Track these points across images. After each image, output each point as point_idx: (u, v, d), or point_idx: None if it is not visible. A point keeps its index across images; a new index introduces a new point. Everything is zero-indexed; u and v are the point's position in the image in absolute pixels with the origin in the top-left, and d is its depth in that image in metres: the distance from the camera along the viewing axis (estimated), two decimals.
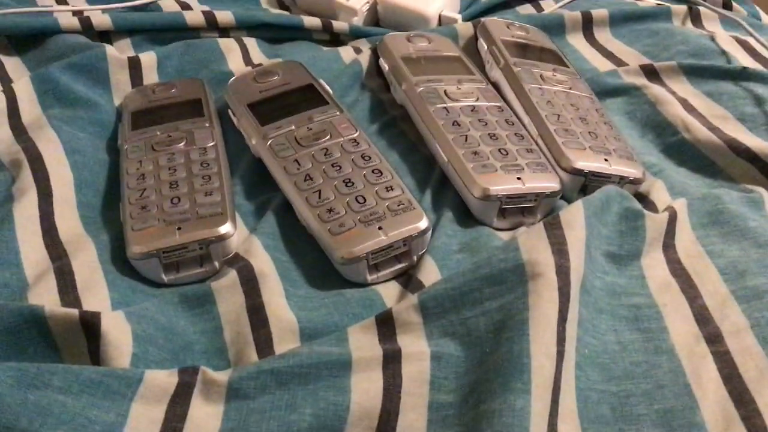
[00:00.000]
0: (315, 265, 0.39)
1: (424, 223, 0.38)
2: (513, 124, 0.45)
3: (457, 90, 0.47)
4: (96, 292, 0.36)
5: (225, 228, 0.38)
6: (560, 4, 0.65)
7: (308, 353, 0.32)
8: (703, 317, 0.35)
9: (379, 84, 0.52)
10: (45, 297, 0.35)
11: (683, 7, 0.62)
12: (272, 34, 0.58)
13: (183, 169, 0.41)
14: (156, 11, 0.59)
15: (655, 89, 0.51)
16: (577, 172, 0.42)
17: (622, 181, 0.43)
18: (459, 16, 0.60)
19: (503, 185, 0.41)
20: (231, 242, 0.38)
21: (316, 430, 0.30)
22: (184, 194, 0.40)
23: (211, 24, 0.56)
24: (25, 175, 0.41)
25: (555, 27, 0.59)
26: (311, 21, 0.58)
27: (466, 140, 0.43)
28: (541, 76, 0.49)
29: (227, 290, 0.36)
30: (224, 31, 0.57)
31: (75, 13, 0.56)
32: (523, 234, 0.36)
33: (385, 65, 0.51)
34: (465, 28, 0.56)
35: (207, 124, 0.45)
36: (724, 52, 0.56)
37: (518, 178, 0.41)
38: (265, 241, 0.39)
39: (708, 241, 0.39)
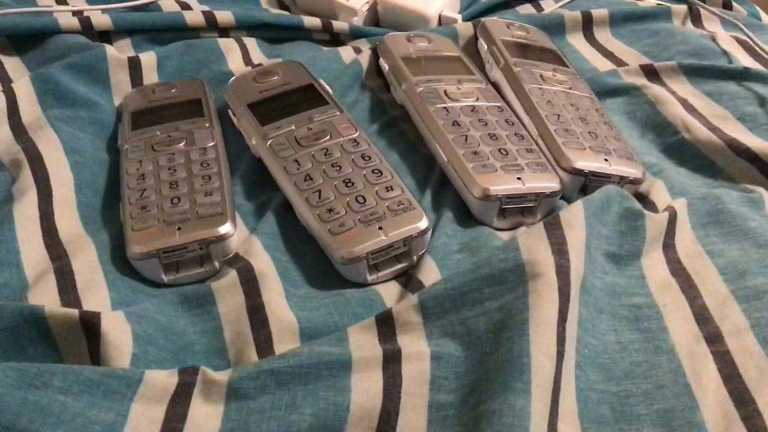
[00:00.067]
0: (315, 265, 0.39)
1: (424, 223, 0.38)
2: (513, 124, 0.45)
3: (457, 90, 0.47)
4: (96, 292, 0.36)
5: (225, 228, 0.38)
6: (560, 4, 0.65)
7: (308, 353, 0.32)
8: (703, 317, 0.35)
9: (379, 84, 0.52)
10: (45, 297, 0.35)
11: (683, 7, 0.62)
12: (272, 34, 0.58)
13: (183, 169, 0.41)
14: (156, 11, 0.59)
15: (655, 89, 0.51)
16: (577, 172, 0.42)
17: (622, 181, 0.43)
18: (459, 16, 0.60)
19: (503, 185, 0.41)
20: (231, 242, 0.38)
21: (316, 430, 0.30)
22: (184, 194, 0.40)
23: (211, 24, 0.56)
24: (25, 175, 0.41)
25: (555, 27, 0.59)
26: (311, 21, 0.58)
27: (466, 140, 0.43)
28: (541, 76, 0.49)
29: (227, 290, 0.36)
30: (224, 31, 0.57)
31: (75, 13, 0.56)
32: (523, 234, 0.36)
33: (385, 65, 0.51)
34: (465, 28, 0.56)
35: (207, 124, 0.45)
36: (724, 52, 0.56)
37: (518, 178, 0.41)
38: (265, 241, 0.39)
39: (708, 241, 0.39)
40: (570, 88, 0.49)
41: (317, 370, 0.32)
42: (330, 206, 0.39)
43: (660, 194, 0.43)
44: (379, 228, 0.38)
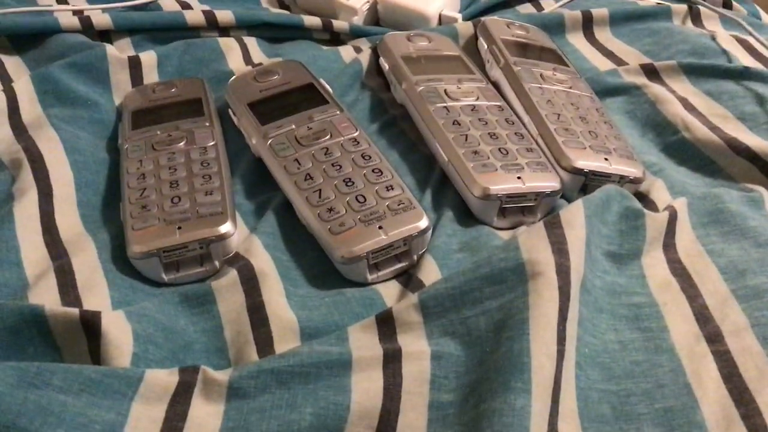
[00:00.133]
0: (315, 264, 0.39)
1: (424, 223, 0.38)
2: (513, 123, 0.45)
3: (457, 89, 0.47)
4: (96, 291, 0.36)
5: (225, 227, 0.38)
6: (560, 3, 0.65)
7: (308, 352, 0.32)
8: (703, 316, 0.35)
9: (379, 83, 0.52)
10: (45, 296, 0.35)
11: (683, 7, 0.62)
12: (272, 33, 0.58)
13: (183, 169, 0.41)
14: (156, 11, 0.59)
15: (655, 88, 0.51)
16: (577, 172, 0.42)
17: (622, 180, 0.43)
18: (459, 16, 0.60)
19: (503, 184, 0.41)
20: (231, 241, 0.38)
21: (316, 429, 0.30)
22: (185, 193, 0.40)
23: (212, 23, 0.56)
24: (25, 174, 0.41)
25: (555, 26, 0.59)
26: (311, 20, 0.58)
27: (466, 139, 0.43)
28: (541, 75, 0.49)
29: (227, 289, 0.36)
30: (224, 31, 0.57)
31: (75, 12, 0.57)
32: (524, 233, 0.36)
33: (385, 64, 0.51)
34: (465, 28, 0.56)
35: (207, 124, 0.45)
36: (724, 52, 0.56)
37: (518, 178, 0.41)
38: (265, 241, 0.39)
39: (708, 241, 0.39)
40: (570, 88, 0.49)
41: (317, 370, 0.32)
42: (330, 205, 0.39)
43: (660, 193, 0.43)
44: (380, 227, 0.38)
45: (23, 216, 0.39)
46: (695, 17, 0.62)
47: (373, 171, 0.41)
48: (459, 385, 0.32)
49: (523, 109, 0.47)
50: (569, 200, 0.42)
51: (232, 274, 0.36)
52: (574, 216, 0.37)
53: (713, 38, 0.57)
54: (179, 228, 0.38)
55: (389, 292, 0.37)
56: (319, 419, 0.30)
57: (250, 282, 0.36)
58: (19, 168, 0.42)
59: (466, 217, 0.42)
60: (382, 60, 0.51)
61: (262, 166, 0.43)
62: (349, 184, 0.40)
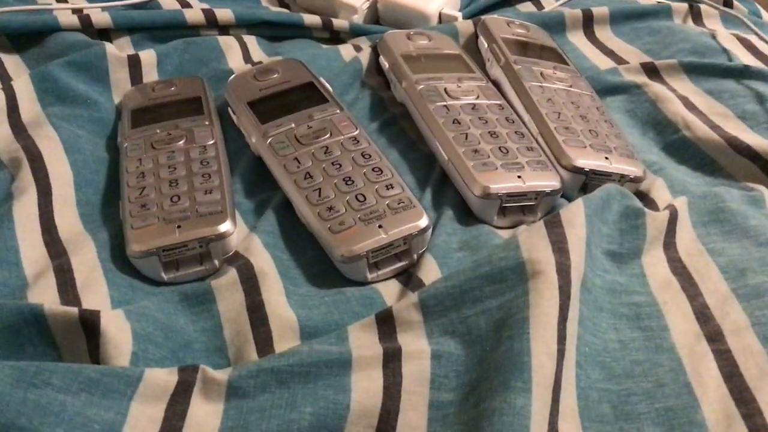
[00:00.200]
0: (315, 263, 0.39)
1: (424, 222, 0.38)
2: (513, 122, 0.45)
3: (457, 88, 0.47)
4: (95, 290, 0.36)
5: (225, 226, 0.38)
6: (561, 1, 0.65)
7: (308, 352, 0.32)
8: (703, 316, 0.35)
9: (379, 82, 0.52)
10: (44, 295, 0.35)
11: (684, 5, 0.62)
12: (272, 32, 0.58)
13: (183, 168, 0.41)
14: (156, 9, 0.59)
15: (655, 87, 0.51)
16: (577, 171, 0.42)
17: (622, 179, 0.43)
18: (459, 14, 0.60)
19: (503, 183, 0.41)
20: (231, 240, 0.38)
21: (316, 428, 0.30)
22: (184, 192, 0.40)
23: (211, 22, 0.56)
24: (24, 173, 0.41)
25: (555, 25, 0.59)
26: (311, 19, 0.58)
27: (466, 138, 0.43)
28: (541, 74, 0.49)
29: (227, 288, 0.36)
30: (224, 29, 0.57)
31: (75, 11, 0.56)
32: (524, 232, 0.36)
33: (385, 63, 0.51)
34: (465, 26, 0.56)
35: (207, 122, 0.45)
36: (725, 50, 0.55)
37: (518, 177, 0.41)
38: (265, 240, 0.39)
39: (709, 240, 0.39)
40: (570, 86, 0.49)
41: (317, 369, 0.32)
42: (330, 204, 0.39)
43: (660, 192, 0.43)
44: (379, 226, 0.38)
45: (22, 215, 0.39)
46: (696, 16, 0.62)
47: (373, 170, 0.41)
48: (459, 384, 0.32)
49: (523, 107, 0.47)
50: (569, 199, 0.42)
51: (232, 273, 0.36)
52: (575, 215, 0.37)
53: (714, 37, 0.57)
54: (179, 227, 0.38)
55: (389, 291, 0.37)
56: (319, 418, 0.30)
57: (250, 281, 0.36)
58: (18, 167, 0.42)
59: (466, 216, 0.42)
60: (382, 58, 0.51)
61: (261, 164, 0.43)
62: (349, 182, 0.40)
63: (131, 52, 0.53)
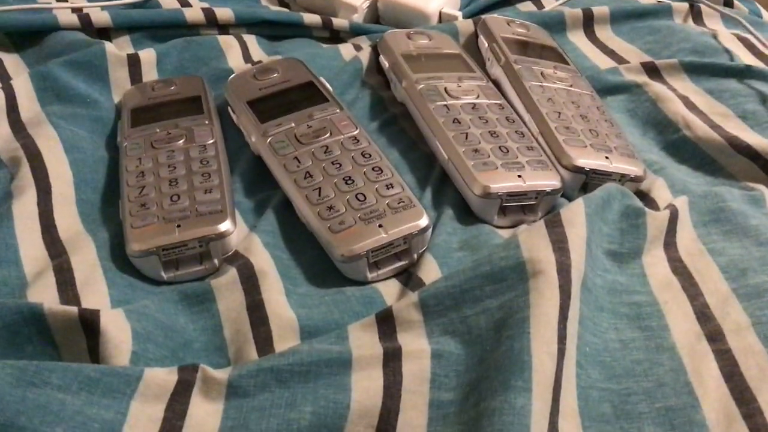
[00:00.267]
0: (315, 262, 0.39)
1: (424, 221, 0.38)
2: (513, 121, 0.45)
3: (457, 87, 0.47)
4: (95, 289, 0.36)
5: (224, 225, 0.38)
6: (561, 1, 0.65)
7: (308, 351, 0.32)
8: (704, 315, 0.35)
9: (379, 81, 0.52)
10: (44, 294, 0.35)
11: (684, 5, 0.62)
12: (272, 31, 0.58)
13: (182, 167, 0.41)
14: (155, 8, 0.59)
15: (656, 87, 0.51)
16: (578, 170, 0.42)
17: (623, 178, 0.43)
18: (459, 14, 0.60)
19: (504, 183, 0.40)
20: (230, 240, 0.38)
21: (316, 428, 0.30)
22: (184, 192, 0.40)
23: (211, 21, 0.56)
24: (24, 172, 0.41)
25: (556, 24, 0.59)
26: (311, 18, 0.58)
27: (466, 138, 0.43)
28: (541, 73, 0.49)
29: (227, 288, 0.36)
30: (224, 28, 0.57)
31: (74, 10, 0.56)
32: (524, 232, 0.36)
33: (385, 62, 0.51)
34: (465, 26, 0.56)
35: (206, 122, 0.45)
36: (725, 50, 0.55)
37: (519, 176, 0.41)
38: (264, 239, 0.39)
39: (709, 239, 0.39)
40: (571, 86, 0.49)
41: (317, 368, 0.32)
42: (330, 204, 0.39)
43: (661, 192, 0.43)
44: (380, 226, 0.38)
45: (22, 214, 0.39)
46: (696, 15, 0.62)
47: (373, 169, 0.41)
48: (459, 383, 0.32)
49: (523, 107, 0.47)
50: (570, 199, 0.42)
51: (232, 273, 0.36)
52: (575, 214, 0.36)
53: (714, 37, 0.57)
54: (178, 226, 0.38)
55: (389, 290, 0.37)
56: (319, 418, 0.30)
57: (250, 280, 0.36)
58: (17, 166, 0.42)
59: (467, 215, 0.42)
60: (382, 58, 0.51)
61: (261, 164, 0.43)
62: (349, 182, 0.40)
63: (131, 51, 0.53)
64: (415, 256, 0.39)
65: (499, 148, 0.43)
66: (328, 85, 0.47)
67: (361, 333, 0.34)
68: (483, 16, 0.56)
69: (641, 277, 0.37)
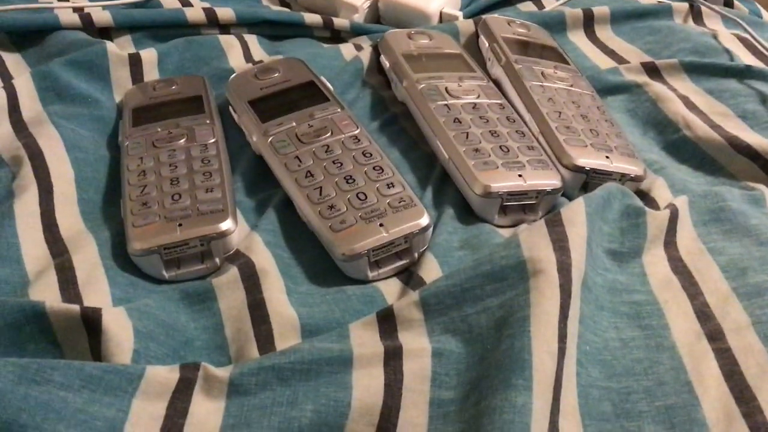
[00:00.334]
0: (316, 261, 0.39)
1: (425, 220, 0.38)
2: (514, 121, 0.45)
3: (458, 87, 0.47)
4: (97, 288, 0.36)
5: (226, 224, 0.38)
6: (561, 1, 0.65)
7: (309, 349, 0.32)
8: (704, 314, 0.35)
9: (380, 81, 0.52)
10: (46, 293, 0.35)
11: (685, 5, 0.62)
12: (273, 31, 0.58)
13: (184, 166, 0.41)
14: (157, 8, 0.59)
15: (656, 87, 0.51)
16: (578, 170, 0.42)
17: (623, 178, 0.43)
18: (460, 14, 0.60)
19: (504, 182, 0.41)
20: (232, 239, 0.38)
21: (317, 426, 0.30)
22: (185, 191, 0.40)
23: (212, 21, 0.56)
24: (25, 171, 0.41)
25: (556, 24, 0.59)
26: (312, 18, 0.58)
27: (467, 137, 0.43)
28: (542, 73, 0.49)
29: (228, 287, 0.36)
30: (225, 28, 0.57)
31: (75, 9, 0.57)
32: (525, 231, 0.36)
33: (386, 62, 0.51)
34: (466, 26, 0.56)
35: (208, 121, 0.45)
36: (725, 50, 0.55)
37: (519, 176, 0.41)
38: (266, 238, 0.39)
39: (709, 239, 0.39)
40: (571, 86, 0.49)
41: (318, 367, 0.32)
42: (331, 203, 0.39)
43: (661, 192, 0.43)
44: (380, 225, 0.38)
45: (24, 213, 0.39)
46: (696, 16, 0.62)
47: (374, 168, 0.41)
48: (460, 382, 0.32)
49: (524, 107, 0.47)
50: (570, 198, 0.42)
51: (233, 272, 0.36)
52: (576, 214, 0.37)
53: (715, 37, 0.57)
54: (180, 225, 0.38)
55: (390, 289, 0.37)
56: (320, 416, 0.30)
57: (251, 279, 0.36)
58: (19, 165, 0.42)
59: (467, 214, 0.42)
60: (382, 58, 0.51)
61: (262, 163, 0.43)
62: (350, 181, 0.40)
63: (132, 50, 0.53)
64: (416, 255, 0.39)
65: (500, 147, 0.43)
66: (329, 85, 0.47)
67: (362, 331, 0.34)
68: (484, 16, 0.56)
69: (641, 276, 0.37)
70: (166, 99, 0.47)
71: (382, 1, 0.61)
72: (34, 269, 0.37)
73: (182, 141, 0.43)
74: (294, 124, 0.43)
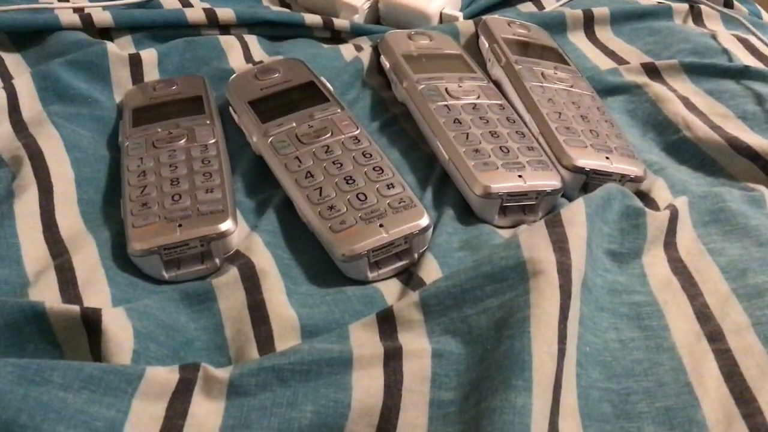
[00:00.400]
0: (316, 262, 0.39)
1: (425, 221, 0.38)
2: (514, 122, 0.45)
3: (458, 88, 0.47)
4: (97, 288, 0.36)
5: (226, 225, 0.38)
6: (561, 2, 0.65)
7: (309, 350, 0.32)
8: (704, 315, 0.35)
9: (380, 82, 0.52)
10: (46, 293, 0.35)
11: (684, 6, 0.62)
12: (273, 31, 0.58)
13: (184, 166, 0.41)
14: (157, 8, 0.59)
15: (656, 87, 0.51)
16: (578, 170, 0.42)
17: (623, 179, 0.43)
18: (460, 14, 0.60)
19: (504, 183, 0.41)
20: (232, 239, 0.38)
21: (316, 427, 0.30)
22: (185, 191, 0.40)
23: (212, 21, 0.56)
24: (25, 171, 0.41)
25: (556, 25, 0.59)
26: (312, 18, 0.58)
27: (467, 138, 0.43)
28: (542, 74, 0.49)
29: (228, 287, 0.36)
30: (225, 29, 0.57)
31: (76, 9, 0.57)
32: (525, 232, 0.36)
33: (386, 63, 0.51)
34: (466, 26, 0.56)
35: (208, 122, 0.45)
36: (725, 51, 0.56)
37: (519, 176, 0.41)
38: (266, 239, 0.39)
39: (709, 240, 0.39)
40: (571, 86, 0.49)
41: (318, 367, 0.32)
42: (331, 203, 0.39)
43: (661, 192, 0.43)
44: (380, 225, 0.38)
45: (24, 213, 0.39)
46: (696, 16, 0.62)
47: (373, 169, 0.41)
48: (460, 383, 0.32)
49: (524, 107, 0.47)
50: (570, 199, 0.42)
51: (233, 272, 0.36)
52: (575, 214, 0.37)
53: (714, 37, 0.57)
54: (180, 225, 0.38)
55: (390, 290, 0.37)
56: (320, 417, 0.30)
57: (251, 280, 0.36)
58: (19, 165, 0.42)
59: (467, 215, 0.42)
60: (383, 58, 0.51)
61: (262, 163, 0.43)
62: (350, 182, 0.40)
63: (132, 51, 0.53)
64: (416, 255, 0.39)
65: (500, 148, 0.43)
66: (329, 85, 0.47)
67: (362, 332, 0.34)
68: (484, 17, 0.56)
69: (641, 277, 0.37)
70: (166, 99, 0.47)
71: (382, 2, 0.61)
72: (34, 269, 0.37)
73: (182, 141, 0.43)
74: (294, 124, 0.43)
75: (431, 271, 0.38)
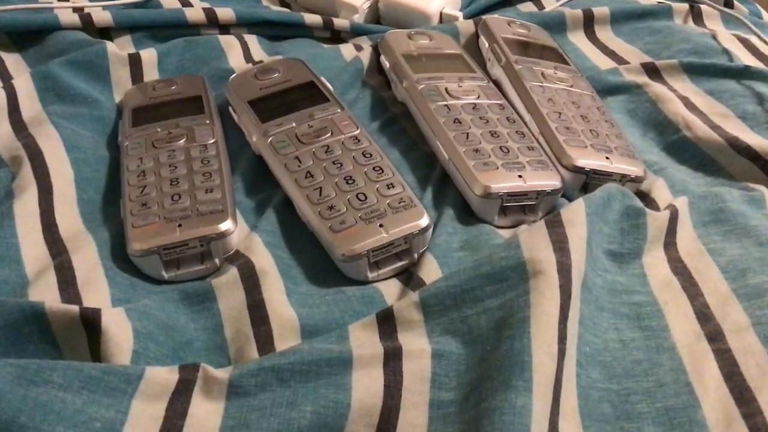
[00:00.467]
0: (316, 262, 0.39)
1: (425, 221, 0.38)
2: (514, 122, 0.45)
3: (458, 87, 0.47)
4: (96, 288, 0.36)
5: (225, 225, 0.38)
6: (561, 1, 0.65)
7: (309, 350, 0.32)
8: (704, 315, 0.35)
9: (380, 81, 0.52)
10: (45, 293, 0.35)
11: (685, 6, 0.62)
12: (273, 31, 0.58)
13: (183, 166, 0.41)
14: (156, 8, 0.59)
15: (656, 87, 0.51)
16: (578, 170, 0.42)
17: (623, 179, 0.43)
18: (460, 14, 0.60)
19: (504, 183, 0.41)
20: (231, 239, 0.38)
21: (316, 427, 0.30)
22: (185, 191, 0.40)
23: (212, 21, 0.56)
24: (25, 171, 0.41)
25: (556, 25, 0.59)
26: (312, 18, 0.58)
27: (467, 138, 0.43)
28: (542, 73, 0.49)
29: (228, 287, 0.36)
30: (225, 28, 0.57)
31: (75, 9, 0.57)
32: (525, 232, 0.36)
33: (386, 62, 0.51)
34: (466, 26, 0.56)
35: (207, 121, 0.45)
36: (725, 51, 0.55)
37: (519, 176, 0.41)
38: (265, 239, 0.39)
39: (709, 240, 0.39)
40: (571, 86, 0.49)
41: (318, 368, 0.32)
42: (331, 203, 0.39)
43: (661, 192, 0.43)
44: (380, 225, 0.38)
45: (23, 213, 0.39)
46: (696, 16, 0.62)
47: (373, 169, 0.41)
48: (460, 383, 0.32)
49: (524, 107, 0.47)
50: (570, 199, 0.42)
51: (233, 272, 0.36)
52: (576, 214, 0.37)
53: (714, 37, 0.57)
54: (179, 225, 0.38)
55: (390, 290, 0.37)
56: (320, 417, 0.30)
57: (251, 280, 0.36)
58: (19, 165, 0.42)
59: (467, 215, 0.42)
60: (382, 58, 0.51)
61: (262, 163, 0.43)
62: (350, 182, 0.40)
63: (132, 50, 0.53)
64: (416, 255, 0.39)
65: (500, 148, 0.43)
66: (329, 85, 0.47)
67: (362, 332, 0.34)
68: (484, 17, 0.56)
69: (641, 277, 0.37)
70: (165, 99, 0.47)
71: (382, 2, 0.61)
72: (34, 269, 0.37)
73: (182, 141, 0.43)
74: (294, 124, 0.43)
75: (431, 272, 0.38)
